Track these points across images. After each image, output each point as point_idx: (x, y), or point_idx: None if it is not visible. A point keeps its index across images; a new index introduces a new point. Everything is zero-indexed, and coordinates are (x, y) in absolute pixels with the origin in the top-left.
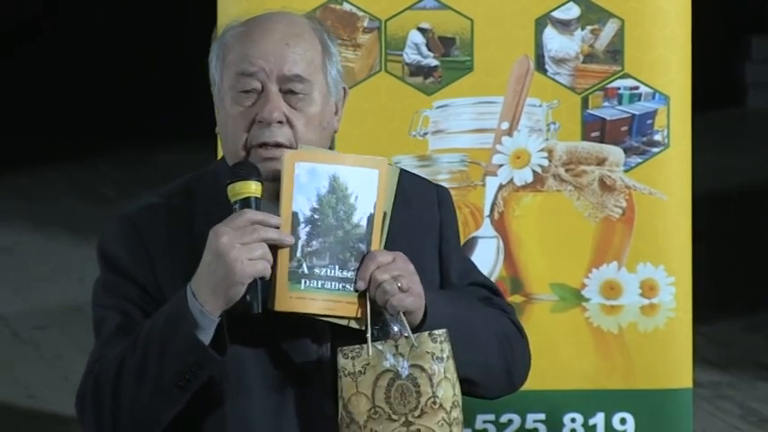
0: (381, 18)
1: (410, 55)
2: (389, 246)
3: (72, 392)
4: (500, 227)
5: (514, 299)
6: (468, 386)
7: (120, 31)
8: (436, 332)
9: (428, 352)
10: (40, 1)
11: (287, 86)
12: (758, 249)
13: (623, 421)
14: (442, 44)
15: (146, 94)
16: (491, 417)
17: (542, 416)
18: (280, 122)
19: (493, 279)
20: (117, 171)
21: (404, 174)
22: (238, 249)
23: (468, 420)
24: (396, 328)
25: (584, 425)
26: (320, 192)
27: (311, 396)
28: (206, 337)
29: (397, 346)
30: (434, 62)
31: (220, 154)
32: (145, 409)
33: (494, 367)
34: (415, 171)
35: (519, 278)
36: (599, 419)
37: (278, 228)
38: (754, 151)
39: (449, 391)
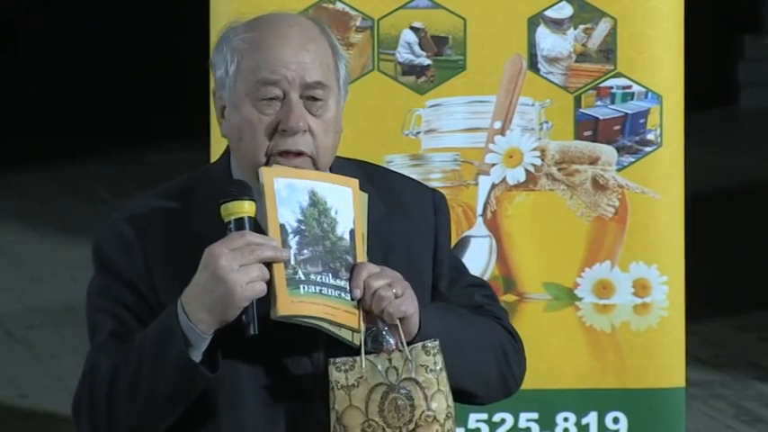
0: (374, 17)
1: (403, 54)
2: (388, 250)
3: (65, 392)
4: (493, 226)
5: (507, 298)
6: (464, 396)
7: (114, 31)
8: (429, 344)
9: (422, 365)
10: (34, 1)
11: (308, 93)
12: (751, 248)
13: (616, 420)
14: (435, 43)
15: (139, 93)
16: (484, 416)
17: (535, 415)
18: (303, 131)
19: (486, 278)
20: (110, 171)
21: (400, 178)
22: (237, 272)
23: (462, 419)
24: (391, 341)
25: (577, 424)
26: (302, 205)
27: (305, 408)
28: (198, 351)
29: (390, 360)
30: (427, 61)
31: (215, 153)
32: (139, 421)
33: (489, 378)
34: (408, 170)
35: (512, 277)
36: (592, 418)
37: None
38: (747, 151)
39: (442, 404)
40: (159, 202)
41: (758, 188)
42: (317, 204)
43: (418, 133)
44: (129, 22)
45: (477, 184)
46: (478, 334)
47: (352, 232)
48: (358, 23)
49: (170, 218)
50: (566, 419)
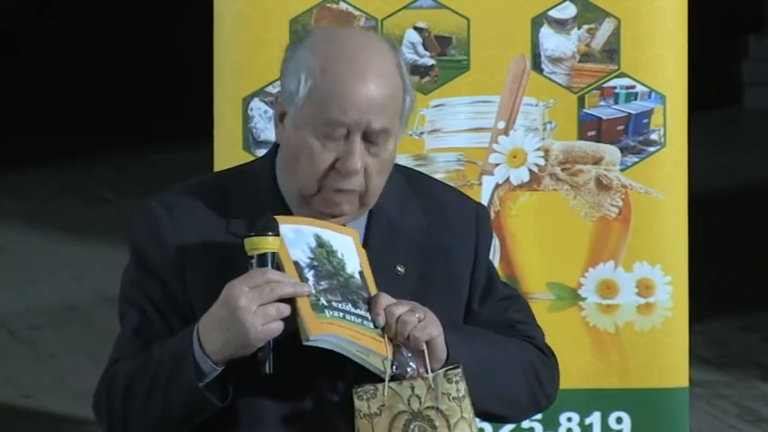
0: (378, 17)
1: (407, 54)
2: (427, 263)
3: (68, 392)
4: (496, 226)
5: None
6: (494, 418)
7: (114, 31)
8: (451, 372)
9: (444, 393)
10: (34, 1)
11: (371, 137)
12: (754, 248)
13: (620, 420)
14: (439, 43)
15: (139, 93)
16: None
17: (538, 415)
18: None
19: None
20: (111, 171)
21: (441, 186)
22: (254, 314)
23: None
24: (414, 367)
25: (581, 424)
26: (310, 245)
27: None
28: (211, 377)
29: (413, 387)
30: (431, 61)
31: (218, 153)
32: (153, 429)
33: (519, 400)
34: None
35: (515, 277)
36: (595, 419)
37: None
38: (751, 151)
39: (465, 431)
40: (197, 198)
41: (760, 188)
42: (323, 246)
43: (422, 133)
44: (129, 22)
45: (480, 185)
46: (508, 356)
47: (361, 273)
48: (361, 23)
49: (207, 212)
50: (569, 419)
